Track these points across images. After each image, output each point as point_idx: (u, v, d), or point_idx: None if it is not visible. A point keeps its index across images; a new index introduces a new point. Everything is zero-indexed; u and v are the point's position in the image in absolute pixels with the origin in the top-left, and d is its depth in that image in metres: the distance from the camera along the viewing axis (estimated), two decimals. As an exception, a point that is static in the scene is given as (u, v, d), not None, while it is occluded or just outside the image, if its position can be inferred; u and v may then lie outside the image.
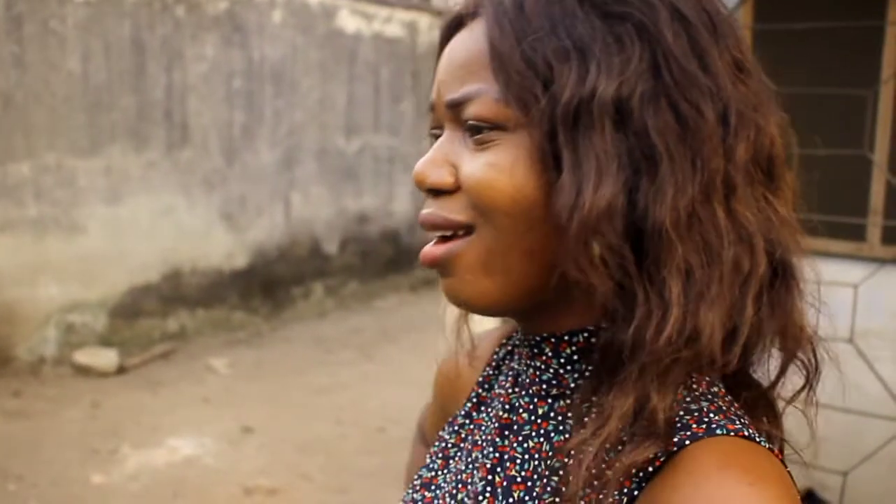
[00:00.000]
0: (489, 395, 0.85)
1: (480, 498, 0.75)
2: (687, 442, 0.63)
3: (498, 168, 0.68)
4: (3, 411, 5.26)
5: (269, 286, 7.61)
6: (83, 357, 6.08)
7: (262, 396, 5.70)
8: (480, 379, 0.88)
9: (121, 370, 6.08)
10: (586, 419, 0.68)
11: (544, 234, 0.67)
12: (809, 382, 0.75)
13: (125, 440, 4.86)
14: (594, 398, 0.68)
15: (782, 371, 0.74)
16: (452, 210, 0.71)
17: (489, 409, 0.83)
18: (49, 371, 6.00)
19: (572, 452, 0.65)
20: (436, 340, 0.98)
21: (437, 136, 0.75)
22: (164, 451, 4.76)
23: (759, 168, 0.69)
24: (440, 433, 0.90)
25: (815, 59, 3.85)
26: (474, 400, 0.87)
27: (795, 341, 0.72)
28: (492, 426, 0.79)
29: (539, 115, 0.66)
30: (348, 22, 8.11)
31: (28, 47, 5.82)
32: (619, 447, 0.64)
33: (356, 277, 8.43)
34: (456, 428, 0.87)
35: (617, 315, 0.66)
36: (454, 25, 0.75)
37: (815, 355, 0.74)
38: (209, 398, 5.67)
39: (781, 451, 0.72)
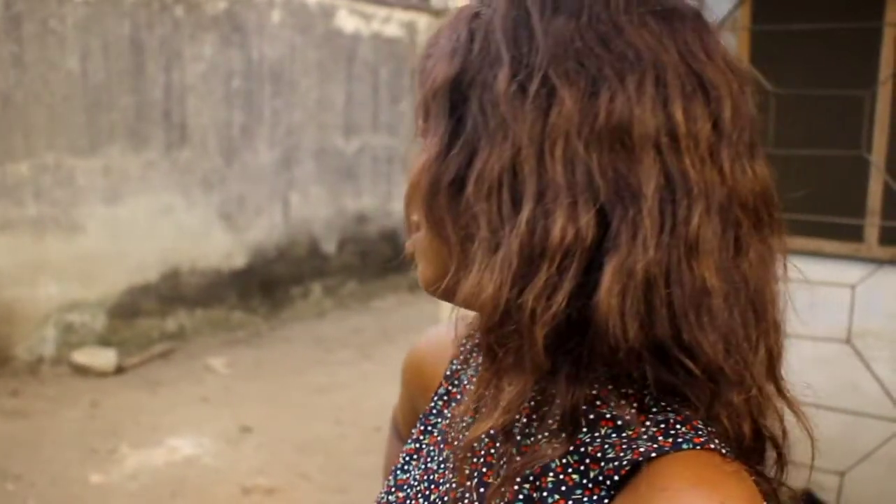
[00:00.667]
0: (458, 390, 0.85)
1: (446, 498, 0.75)
2: (653, 454, 0.62)
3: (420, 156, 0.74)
4: (1, 411, 5.26)
5: (267, 286, 7.61)
6: (82, 357, 6.08)
7: (260, 396, 5.71)
8: (448, 373, 0.88)
9: (119, 370, 6.08)
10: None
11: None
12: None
13: (124, 440, 4.87)
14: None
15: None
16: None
17: (459, 406, 0.82)
18: (48, 371, 6.00)
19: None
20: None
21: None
22: (163, 451, 4.77)
23: (601, 134, 0.66)
24: (413, 431, 0.89)
25: (813, 60, 3.86)
26: (445, 397, 0.87)
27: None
28: (462, 423, 0.79)
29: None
30: (347, 22, 8.11)
31: (27, 47, 5.83)
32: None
33: (355, 277, 8.44)
34: (429, 427, 0.86)
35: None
36: None
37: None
38: (208, 398, 5.67)
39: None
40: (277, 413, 5.40)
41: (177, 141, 6.79)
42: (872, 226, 3.86)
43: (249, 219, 7.44)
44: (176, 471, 4.54)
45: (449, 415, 0.84)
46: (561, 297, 0.62)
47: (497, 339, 0.64)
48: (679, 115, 0.63)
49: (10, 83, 5.77)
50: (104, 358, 6.09)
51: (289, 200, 7.79)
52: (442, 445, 0.81)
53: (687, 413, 0.66)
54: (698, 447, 0.63)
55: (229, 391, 5.83)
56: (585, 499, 0.65)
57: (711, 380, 0.64)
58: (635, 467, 0.63)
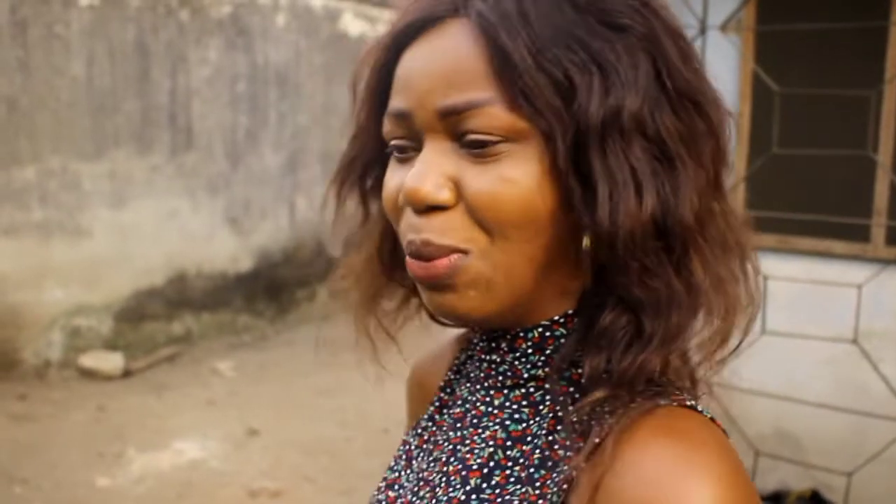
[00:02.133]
0: (451, 398, 0.85)
1: (437, 490, 0.76)
2: (633, 412, 0.66)
3: (512, 182, 0.66)
4: (9, 414, 5.27)
5: (273, 289, 7.62)
6: (88, 360, 6.09)
7: (266, 399, 5.71)
8: (442, 383, 0.88)
9: (126, 373, 6.09)
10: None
11: (547, 241, 0.68)
12: (743, 339, 0.76)
13: (130, 443, 4.87)
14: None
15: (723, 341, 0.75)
16: (453, 234, 0.68)
17: (450, 411, 0.83)
18: (54, 374, 6.01)
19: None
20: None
21: (403, 148, 0.72)
22: (170, 454, 4.77)
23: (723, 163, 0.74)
24: (404, 437, 0.89)
25: (818, 60, 3.85)
26: (437, 404, 0.87)
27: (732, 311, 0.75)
28: (450, 422, 0.81)
29: (562, 129, 0.66)
30: (352, 25, 8.12)
31: (33, 52, 5.84)
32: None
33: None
34: (419, 431, 0.87)
35: (634, 306, 0.68)
36: (413, 30, 0.73)
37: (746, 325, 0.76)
38: (214, 401, 5.68)
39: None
40: (283, 416, 5.41)
41: (182, 145, 6.80)
42: (879, 226, 3.85)
43: (255, 222, 7.45)
44: (182, 474, 4.55)
45: (439, 420, 0.85)
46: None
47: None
48: None
49: (16, 88, 5.79)
50: (111, 362, 6.10)
51: (294, 204, 7.79)
52: (431, 447, 0.82)
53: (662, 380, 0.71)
54: (674, 403, 0.67)
55: (235, 394, 5.84)
56: (566, 467, 0.66)
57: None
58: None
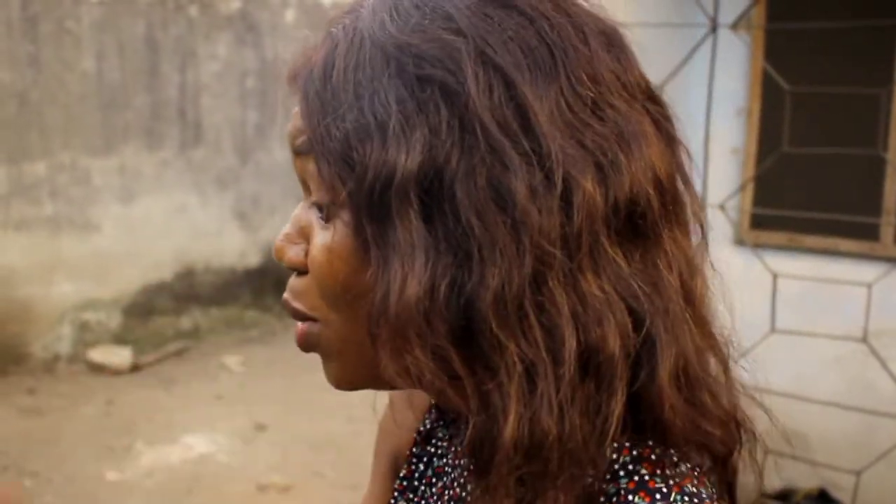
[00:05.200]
0: (436, 449, 0.80)
1: None
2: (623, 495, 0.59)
3: (333, 252, 0.62)
4: (18, 408, 5.30)
5: (281, 285, 7.38)
6: (97, 355, 6.11)
7: (274, 394, 5.72)
8: (422, 430, 0.82)
9: (135, 368, 6.11)
10: None
11: None
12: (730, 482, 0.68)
13: (139, 437, 4.89)
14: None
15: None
16: (303, 299, 0.66)
17: (435, 479, 0.78)
18: (64, 368, 6.03)
19: None
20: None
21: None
22: (178, 449, 4.79)
23: (620, 222, 0.59)
24: (393, 486, 0.84)
25: (828, 59, 3.85)
26: (424, 458, 0.81)
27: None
28: (433, 496, 0.76)
29: (347, 202, 0.60)
30: (361, 21, 8.12)
31: (43, 47, 5.86)
32: None
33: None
34: (409, 494, 0.81)
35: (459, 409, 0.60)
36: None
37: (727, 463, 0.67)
38: (222, 396, 5.70)
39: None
40: (291, 411, 5.42)
41: (191, 140, 6.81)
42: (888, 224, 3.84)
43: (264, 218, 7.46)
44: (191, 468, 4.57)
45: (430, 475, 0.79)
46: (616, 411, 0.57)
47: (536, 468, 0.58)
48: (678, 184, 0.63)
49: (27, 83, 5.81)
50: (119, 356, 6.12)
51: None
52: None
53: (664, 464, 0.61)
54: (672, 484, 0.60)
55: (244, 389, 5.85)
56: None
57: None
58: None
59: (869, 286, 3.16)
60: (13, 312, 5.84)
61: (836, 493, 3.84)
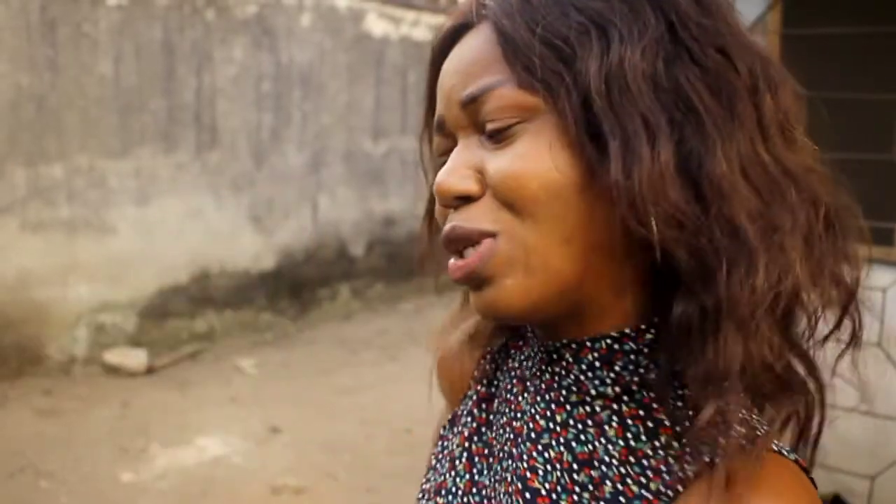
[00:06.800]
0: (489, 392, 0.83)
1: None
2: (717, 460, 0.62)
3: (528, 157, 0.66)
4: (34, 410, 5.33)
5: (296, 288, 7.66)
6: (113, 357, 6.15)
7: (288, 397, 5.74)
8: (477, 374, 0.85)
9: (150, 370, 6.14)
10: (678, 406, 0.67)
11: (580, 217, 0.65)
12: (856, 332, 0.73)
13: (154, 439, 4.92)
14: (675, 391, 0.68)
15: (839, 323, 0.72)
16: (480, 218, 0.68)
17: (499, 415, 0.80)
18: (79, 370, 6.07)
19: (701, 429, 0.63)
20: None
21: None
22: (193, 451, 4.81)
23: (784, 117, 0.69)
24: (441, 432, 0.87)
25: (844, 64, 3.84)
26: (474, 397, 0.84)
27: (847, 290, 0.70)
28: (506, 435, 0.77)
29: (567, 93, 0.65)
30: (376, 25, 8.15)
31: (61, 50, 5.90)
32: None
33: (382, 279, 8.47)
34: (459, 428, 0.84)
35: (689, 281, 0.64)
36: (451, 37, 0.74)
37: (857, 308, 0.72)
38: (237, 398, 5.72)
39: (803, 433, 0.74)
40: (305, 413, 5.44)
41: (207, 143, 6.85)
42: (904, 230, 3.82)
43: (278, 221, 7.49)
44: (205, 470, 4.58)
45: (478, 416, 0.82)
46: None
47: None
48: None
49: (45, 86, 5.85)
50: (135, 358, 6.15)
51: (317, 203, 7.83)
52: (490, 459, 0.79)
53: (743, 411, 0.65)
54: (763, 451, 0.64)
55: (258, 392, 5.87)
56: None
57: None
58: (698, 476, 0.64)
59: (884, 291, 3.15)
60: (29, 314, 5.88)
61: (850, 499, 3.83)
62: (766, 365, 0.64)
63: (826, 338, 0.71)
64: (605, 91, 0.64)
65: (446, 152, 0.73)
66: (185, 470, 4.58)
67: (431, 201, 0.79)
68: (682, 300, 0.65)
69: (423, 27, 8.53)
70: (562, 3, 0.67)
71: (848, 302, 0.70)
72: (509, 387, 0.80)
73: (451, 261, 0.70)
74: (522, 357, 0.80)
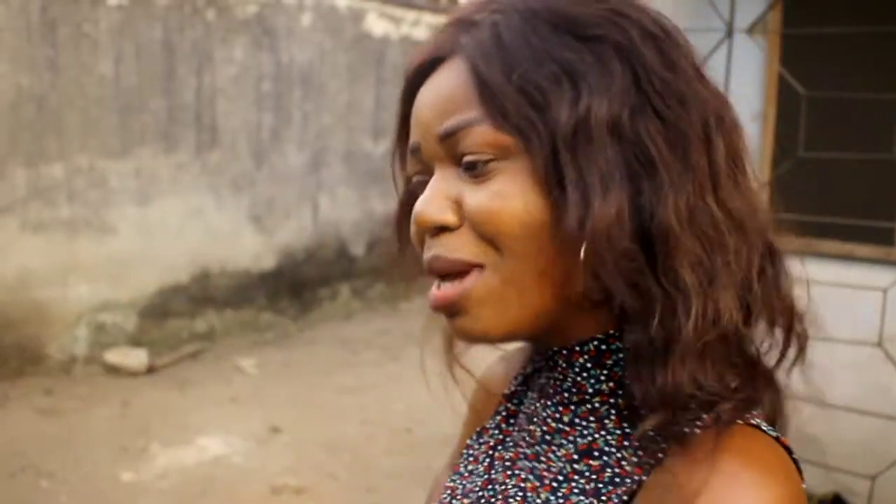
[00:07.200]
0: (518, 408, 0.87)
1: (511, 502, 0.77)
2: (697, 430, 0.68)
3: (505, 196, 0.69)
4: (35, 409, 5.33)
5: (296, 287, 7.66)
6: (113, 357, 6.15)
7: (289, 397, 5.75)
8: (508, 392, 0.89)
9: (150, 370, 6.15)
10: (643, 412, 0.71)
11: (552, 254, 0.69)
12: (802, 351, 0.78)
13: (154, 439, 4.92)
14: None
15: (786, 345, 0.77)
16: (461, 249, 0.72)
17: (519, 423, 0.84)
18: (80, 370, 6.07)
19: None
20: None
21: (422, 182, 0.76)
22: (193, 450, 4.81)
23: (733, 161, 0.73)
24: (468, 441, 0.90)
25: (845, 63, 3.84)
26: (503, 413, 0.88)
27: (790, 315, 0.76)
28: (524, 438, 0.81)
29: (539, 140, 0.69)
30: (376, 25, 8.15)
31: (62, 51, 5.90)
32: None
33: (382, 279, 8.47)
34: (486, 438, 0.87)
35: (637, 316, 0.69)
36: (423, 72, 0.77)
37: (802, 327, 0.78)
38: (237, 398, 5.72)
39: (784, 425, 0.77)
40: (305, 413, 5.44)
41: (207, 143, 6.85)
42: (904, 230, 3.82)
43: (278, 221, 7.49)
44: (205, 470, 4.59)
45: (506, 428, 0.86)
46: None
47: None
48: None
49: (45, 86, 5.85)
50: (135, 358, 6.15)
51: (318, 203, 7.83)
52: (508, 462, 0.83)
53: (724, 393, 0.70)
54: (740, 423, 0.69)
55: (258, 391, 5.88)
56: (629, 480, 0.70)
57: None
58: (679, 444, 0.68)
59: (884, 291, 3.15)
60: (30, 314, 5.89)
61: (850, 498, 3.83)
62: (723, 384, 0.69)
63: (778, 362, 0.77)
64: (570, 142, 0.68)
65: (419, 172, 0.77)
66: (185, 470, 4.58)
67: (401, 210, 0.83)
68: (632, 331, 0.70)
69: (424, 27, 8.53)
70: (535, 49, 0.70)
71: (789, 327, 0.76)
72: (532, 396, 0.84)
73: (433, 289, 0.74)
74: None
